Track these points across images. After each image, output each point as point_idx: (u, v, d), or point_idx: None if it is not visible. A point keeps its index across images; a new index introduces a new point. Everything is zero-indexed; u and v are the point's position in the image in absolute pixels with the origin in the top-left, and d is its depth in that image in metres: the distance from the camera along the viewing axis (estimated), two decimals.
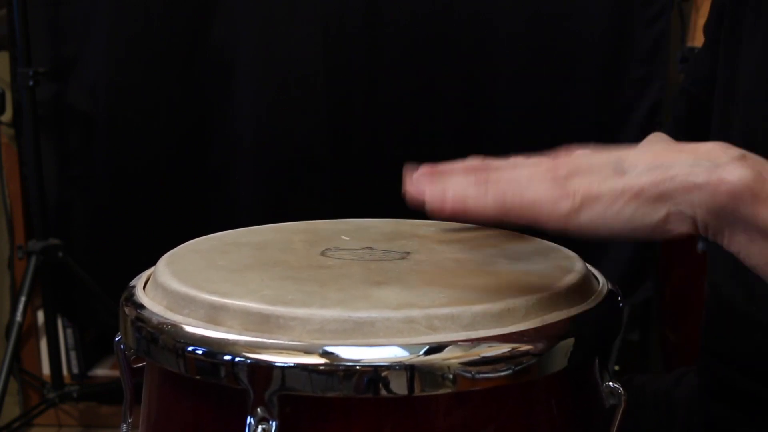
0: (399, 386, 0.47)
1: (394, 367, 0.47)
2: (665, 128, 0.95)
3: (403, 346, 0.47)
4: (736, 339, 0.77)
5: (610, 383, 0.53)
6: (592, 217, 0.48)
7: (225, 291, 0.53)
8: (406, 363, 0.47)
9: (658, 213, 0.48)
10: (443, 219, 0.51)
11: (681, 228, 0.49)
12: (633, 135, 1.71)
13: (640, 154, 0.50)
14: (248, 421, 0.47)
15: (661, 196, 0.48)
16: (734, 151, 0.49)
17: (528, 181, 0.51)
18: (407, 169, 0.56)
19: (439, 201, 0.50)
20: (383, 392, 0.47)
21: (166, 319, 0.53)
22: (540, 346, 0.49)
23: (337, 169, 1.82)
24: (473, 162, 0.54)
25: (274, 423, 0.47)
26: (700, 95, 0.88)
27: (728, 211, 0.48)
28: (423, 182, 0.53)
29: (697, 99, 0.89)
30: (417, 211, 0.88)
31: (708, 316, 0.82)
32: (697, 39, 1.76)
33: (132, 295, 0.58)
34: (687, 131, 0.91)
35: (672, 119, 0.96)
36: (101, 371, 2.09)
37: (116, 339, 0.59)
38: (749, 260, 0.50)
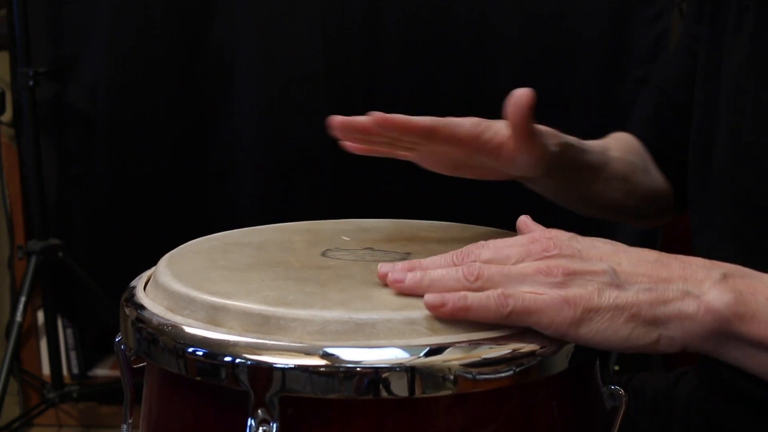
0: (400, 388, 0.47)
1: (394, 368, 0.47)
2: (631, 127, 0.94)
3: (404, 348, 0.47)
4: None
5: (611, 385, 0.53)
6: (590, 331, 0.50)
7: (225, 292, 0.53)
8: (407, 364, 0.47)
9: (651, 335, 0.50)
10: (442, 316, 0.50)
11: (670, 349, 0.51)
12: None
13: (633, 265, 0.52)
14: (249, 423, 0.47)
15: (655, 320, 0.50)
16: (716, 272, 0.51)
17: (521, 282, 0.51)
18: (383, 268, 0.55)
19: (439, 303, 0.50)
20: (384, 394, 0.47)
21: (166, 320, 0.53)
22: (541, 347, 0.49)
23: (337, 169, 1.81)
24: (455, 256, 0.54)
25: (274, 424, 0.47)
26: (676, 93, 0.88)
27: (717, 334, 0.50)
28: (405, 274, 0.53)
29: (672, 97, 0.89)
30: (417, 212, 0.88)
31: None
32: None
33: (132, 295, 0.58)
34: (656, 129, 0.91)
35: (639, 117, 0.95)
36: (101, 371, 2.09)
37: (117, 339, 0.59)
38: (751, 371, 0.52)
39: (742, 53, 0.74)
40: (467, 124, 0.68)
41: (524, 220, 0.62)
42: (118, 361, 0.60)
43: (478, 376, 0.48)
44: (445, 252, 0.64)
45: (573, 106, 1.75)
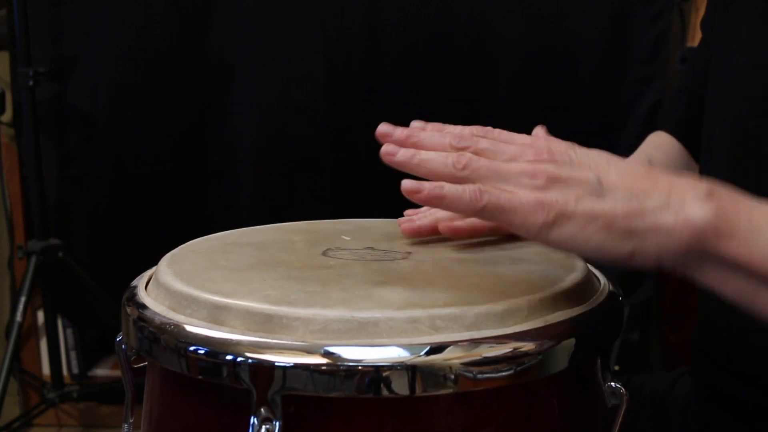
0: (401, 386, 0.47)
1: (395, 367, 0.47)
2: (667, 127, 0.95)
3: (405, 347, 0.47)
4: (725, 342, 0.77)
5: (612, 383, 0.53)
6: (562, 236, 0.49)
7: (227, 291, 0.53)
8: (408, 363, 0.47)
9: (625, 247, 0.49)
10: (417, 202, 0.51)
11: (645, 264, 0.50)
12: (633, 135, 1.71)
13: (620, 176, 0.51)
14: (252, 421, 0.47)
15: (630, 232, 0.49)
16: (702, 189, 0.50)
17: (506, 179, 0.51)
18: (383, 128, 0.56)
19: (415, 189, 0.50)
20: (385, 392, 0.47)
21: (168, 319, 0.53)
22: (542, 346, 0.50)
23: (337, 169, 1.81)
24: (454, 138, 0.54)
25: (277, 423, 0.47)
26: (699, 91, 0.88)
27: (694, 250, 0.49)
28: (398, 149, 0.54)
29: (696, 95, 0.89)
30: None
31: (699, 320, 0.83)
32: (697, 39, 1.76)
33: (134, 295, 0.58)
34: (688, 129, 0.91)
35: (672, 118, 0.96)
36: (101, 371, 2.09)
37: (117, 339, 0.59)
38: (724, 294, 0.51)
39: (744, 37, 0.74)
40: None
41: (537, 130, 0.61)
42: (119, 360, 0.60)
43: (478, 375, 0.48)
44: (447, 251, 0.64)
45: (573, 106, 1.75)
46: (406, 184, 0.50)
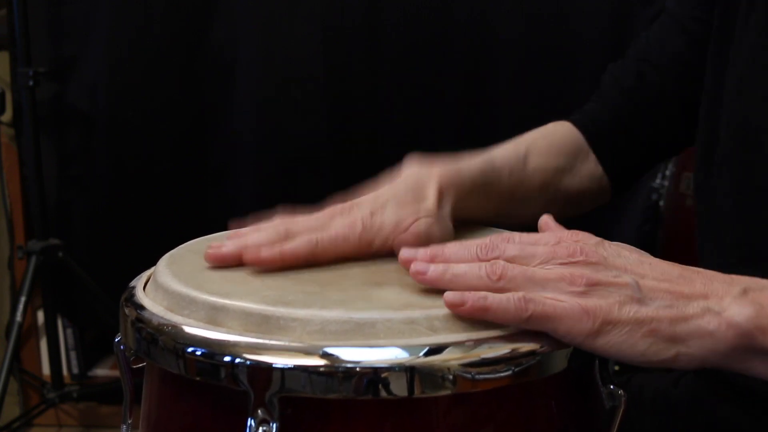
0: (399, 388, 0.47)
1: (394, 368, 0.47)
2: (598, 97, 0.91)
3: (404, 348, 0.47)
4: None
5: (611, 385, 0.53)
6: (608, 343, 0.50)
7: (225, 292, 0.53)
8: (406, 364, 0.47)
9: (669, 352, 0.50)
10: (461, 314, 0.50)
11: (689, 366, 0.51)
12: None
13: (656, 280, 0.52)
14: (249, 423, 0.47)
15: (674, 337, 0.50)
16: (736, 288, 0.51)
17: (544, 285, 0.51)
18: (406, 254, 0.55)
19: (459, 301, 0.50)
20: (383, 394, 0.47)
21: (166, 320, 0.53)
22: (540, 347, 0.49)
23: (337, 169, 1.81)
24: (480, 250, 0.54)
25: (274, 425, 0.47)
26: (664, 72, 0.85)
27: (740, 350, 0.50)
28: (428, 267, 0.53)
29: (660, 74, 0.85)
30: None
31: None
32: None
33: (132, 295, 0.58)
34: (633, 102, 0.87)
35: (613, 87, 0.90)
36: (101, 371, 2.09)
37: (116, 339, 0.59)
38: None
39: (750, 42, 0.74)
40: (352, 240, 0.62)
41: (546, 220, 0.61)
42: (118, 361, 0.60)
43: (477, 376, 0.48)
44: None
45: (573, 106, 1.75)
46: (449, 297, 0.50)
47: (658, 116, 0.86)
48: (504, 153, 0.82)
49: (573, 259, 0.52)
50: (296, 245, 0.59)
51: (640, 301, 0.50)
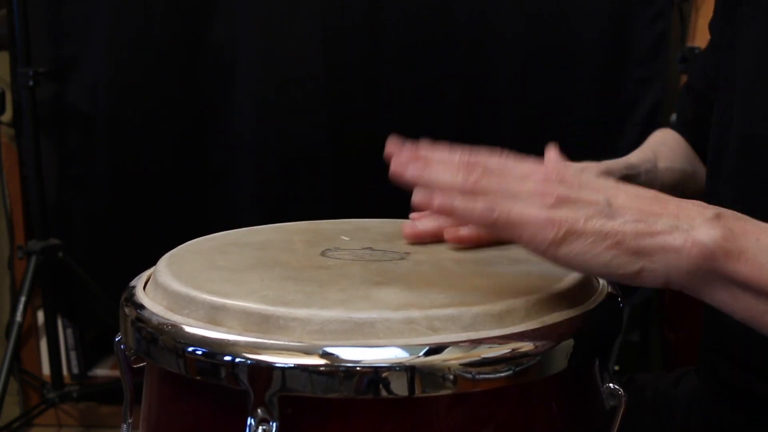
0: (399, 387, 0.47)
1: (394, 368, 0.47)
2: (676, 127, 0.95)
3: (404, 347, 0.47)
4: (735, 337, 0.77)
5: (611, 384, 0.53)
6: (570, 253, 0.50)
7: (225, 291, 0.53)
8: (407, 364, 0.47)
9: (633, 265, 0.50)
10: (428, 210, 0.52)
11: (653, 283, 0.51)
12: (633, 135, 1.71)
13: (630, 199, 0.52)
14: (249, 422, 0.47)
15: (639, 251, 0.50)
16: (709, 211, 0.51)
17: (515, 197, 0.51)
18: (392, 143, 0.56)
19: (426, 198, 0.51)
20: (384, 393, 0.47)
21: (166, 319, 0.53)
22: (540, 346, 0.49)
23: (337, 169, 1.81)
24: (463, 157, 0.55)
25: (274, 424, 0.47)
26: (708, 93, 0.88)
27: (703, 271, 0.50)
28: (408, 167, 0.54)
29: (705, 97, 0.89)
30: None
31: (707, 315, 0.82)
32: (697, 39, 1.76)
33: (132, 295, 0.58)
34: (696, 129, 0.91)
35: (679, 119, 0.96)
36: (101, 371, 2.09)
37: (116, 339, 0.59)
38: (735, 315, 0.52)
39: (754, 43, 0.74)
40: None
41: (550, 146, 0.61)
42: (118, 361, 0.60)
43: (477, 376, 0.48)
44: (446, 252, 0.64)
45: (573, 106, 1.75)
46: (418, 195, 0.51)
47: None
48: (638, 154, 0.85)
49: (549, 178, 0.53)
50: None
51: (609, 216, 0.50)
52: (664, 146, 0.92)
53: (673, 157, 0.90)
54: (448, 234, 0.66)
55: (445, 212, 0.51)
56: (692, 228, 0.50)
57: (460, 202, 0.51)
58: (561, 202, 0.51)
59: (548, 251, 0.50)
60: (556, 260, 0.50)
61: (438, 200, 0.51)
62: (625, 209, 0.51)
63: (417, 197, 0.51)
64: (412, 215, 0.71)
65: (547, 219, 0.50)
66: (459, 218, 0.51)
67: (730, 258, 0.49)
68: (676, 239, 0.49)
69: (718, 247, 0.49)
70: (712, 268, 0.50)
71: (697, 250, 0.49)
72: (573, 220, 0.50)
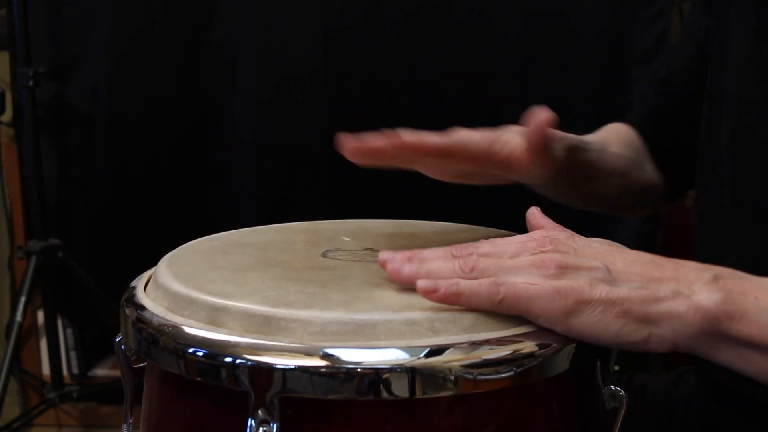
0: (400, 389, 0.47)
1: (395, 369, 0.47)
2: (630, 118, 0.95)
3: (405, 349, 0.47)
4: None
5: (612, 386, 0.53)
6: (582, 323, 0.50)
7: (226, 292, 0.53)
8: (408, 365, 0.47)
9: (642, 333, 0.50)
10: (434, 301, 0.51)
11: (660, 349, 0.51)
12: None
13: (627, 264, 0.52)
14: (249, 423, 0.47)
15: (646, 317, 0.50)
16: (707, 274, 0.52)
17: (515, 274, 0.51)
18: (384, 256, 0.55)
19: (432, 288, 0.51)
20: (384, 394, 0.47)
21: (166, 320, 0.53)
22: (541, 348, 0.49)
23: (337, 169, 1.81)
24: (454, 249, 0.55)
25: (275, 425, 0.47)
26: (678, 85, 0.88)
27: (707, 334, 0.51)
28: (403, 265, 0.54)
29: (674, 88, 0.89)
30: (418, 212, 0.88)
31: None
32: None
33: (133, 296, 0.58)
34: (655, 120, 0.92)
35: (639, 107, 0.95)
36: (101, 371, 2.09)
37: (117, 339, 0.59)
38: (744, 372, 0.52)
39: (744, 45, 0.74)
40: (478, 138, 0.68)
41: (533, 211, 0.62)
42: (119, 361, 0.60)
43: (478, 377, 0.48)
44: None
45: (573, 106, 1.75)
46: (422, 284, 0.51)
47: (678, 128, 0.89)
48: (591, 137, 0.86)
49: (543, 249, 0.53)
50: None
51: (611, 282, 0.51)
52: (615, 134, 0.92)
53: (623, 145, 0.90)
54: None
55: (451, 298, 0.51)
56: (693, 293, 0.51)
57: (465, 286, 0.50)
58: (561, 270, 0.51)
59: (560, 322, 0.50)
60: (569, 332, 0.50)
61: (443, 287, 0.50)
62: (625, 275, 0.51)
63: (422, 286, 0.51)
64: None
65: (554, 289, 0.50)
66: (466, 303, 0.51)
67: (732, 320, 0.50)
68: (679, 305, 0.50)
69: (719, 311, 0.50)
70: (715, 330, 0.50)
71: (700, 315, 0.50)
72: (579, 288, 0.50)
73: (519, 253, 0.53)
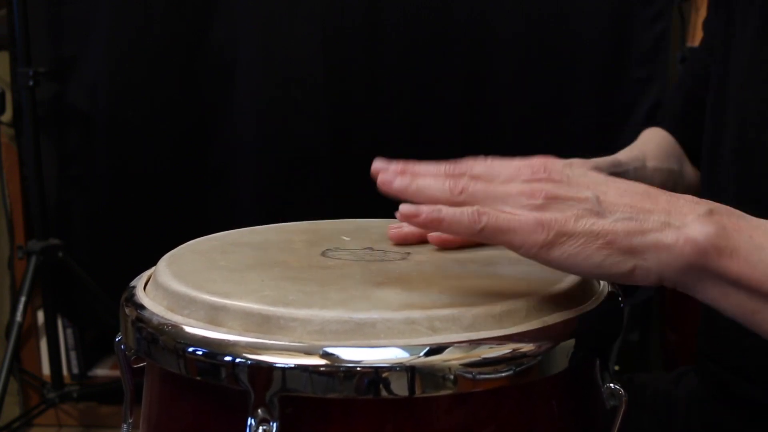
0: (400, 387, 0.47)
1: (395, 368, 0.47)
2: (662, 124, 0.95)
3: (404, 348, 0.47)
4: (729, 344, 0.77)
5: (611, 384, 0.53)
6: (562, 255, 0.49)
7: (226, 291, 0.53)
8: (407, 364, 0.47)
9: (626, 264, 0.49)
10: (415, 226, 0.52)
11: (646, 281, 0.50)
12: (633, 135, 1.70)
13: (619, 195, 0.51)
14: (249, 422, 0.47)
15: (631, 249, 0.49)
16: (702, 207, 0.50)
17: (503, 200, 0.51)
18: (377, 164, 0.56)
19: (413, 213, 0.51)
20: (384, 393, 0.47)
21: (166, 319, 0.53)
22: (541, 347, 0.49)
23: (337, 169, 1.81)
24: (449, 167, 0.55)
25: (274, 424, 0.47)
26: (698, 91, 0.88)
27: (696, 268, 0.49)
28: (395, 177, 0.54)
29: (695, 95, 0.89)
30: None
31: (702, 321, 0.83)
32: (697, 39, 1.76)
33: (132, 295, 0.58)
34: (683, 127, 0.92)
35: (667, 115, 0.96)
36: (101, 371, 2.09)
37: (117, 339, 0.59)
38: (726, 312, 0.51)
39: (747, 50, 0.74)
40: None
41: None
42: (118, 360, 0.60)
43: (478, 376, 0.48)
44: (444, 253, 0.64)
45: (573, 106, 1.75)
46: (404, 208, 0.51)
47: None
48: (627, 153, 0.85)
49: (536, 176, 0.52)
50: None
51: (599, 214, 0.50)
52: (652, 144, 0.92)
53: (661, 155, 0.90)
54: (432, 237, 0.65)
55: (432, 224, 0.51)
56: (684, 225, 0.49)
57: (446, 213, 0.50)
58: (549, 200, 0.50)
59: (539, 254, 0.50)
60: (548, 263, 0.50)
61: (425, 212, 0.50)
62: (615, 206, 0.50)
63: (404, 210, 0.51)
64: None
65: (536, 221, 0.49)
66: (447, 229, 0.51)
67: (722, 255, 0.49)
68: (668, 237, 0.49)
69: (710, 245, 0.49)
70: (704, 265, 0.49)
71: (690, 247, 0.49)
72: (563, 220, 0.49)
73: (511, 178, 0.53)
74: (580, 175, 0.53)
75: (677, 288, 0.51)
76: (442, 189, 0.52)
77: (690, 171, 0.91)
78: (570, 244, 0.49)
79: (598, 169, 0.75)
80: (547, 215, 0.50)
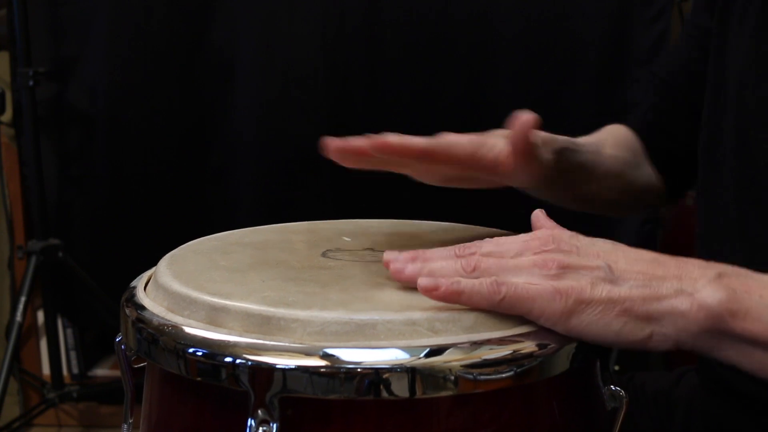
0: (400, 389, 0.47)
1: (395, 369, 0.47)
2: (631, 118, 0.95)
3: (405, 349, 0.47)
4: None
5: (612, 386, 0.53)
6: (581, 323, 0.50)
7: (226, 292, 0.53)
8: (408, 365, 0.47)
9: (644, 331, 0.50)
10: (434, 299, 0.51)
11: (663, 347, 0.51)
12: None
13: (630, 263, 0.52)
14: (249, 423, 0.47)
15: (648, 316, 0.50)
16: (711, 271, 0.51)
17: (517, 272, 0.52)
18: (388, 255, 0.56)
19: (432, 286, 0.51)
20: (384, 394, 0.47)
21: (167, 320, 0.53)
22: (541, 348, 0.49)
23: (337, 169, 1.80)
24: (458, 248, 0.55)
25: (274, 425, 0.47)
26: (677, 84, 0.88)
27: (711, 332, 0.50)
28: (406, 265, 0.54)
29: (673, 88, 0.89)
30: (418, 212, 0.88)
31: None
32: None
33: (133, 295, 0.58)
34: (655, 119, 0.92)
35: (645, 106, 0.95)
36: (101, 371, 2.09)
37: (117, 339, 0.59)
38: (745, 369, 0.52)
39: (745, 47, 0.74)
40: (463, 142, 0.68)
41: (537, 214, 0.62)
42: (119, 361, 0.60)
43: (478, 377, 0.48)
44: None
45: (573, 106, 1.75)
46: (422, 282, 0.51)
47: (677, 129, 0.89)
48: (585, 139, 0.86)
49: (545, 248, 0.53)
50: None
51: (613, 281, 0.51)
52: (610, 136, 0.92)
53: (618, 145, 0.90)
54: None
55: (452, 297, 0.51)
56: (696, 291, 0.50)
57: (466, 284, 0.51)
58: (562, 269, 0.51)
59: (559, 323, 0.50)
60: (569, 332, 0.50)
61: (444, 285, 0.50)
62: (627, 273, 0.51)
63: (422, 284, 0.51)
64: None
65: (554, 290, 0.50)
66: (467, 302, 0.51)
67: (736, 318, 0.50)
68: (682, 303, 0.50)
69: (723, 309, 0.50)
70: (719, 328, 0.50)
71: (704, 313, 0.50)
72: (579, 288, 0.50)
73: (521, 253, 0.53)
74: (588, 245, 0.54)
75: (695, 351, 0.52)
76: (455, 269, 0.53)
77: (647, 169, 0.91)
78: (589, 312, 0.50)
79: (555, 143, 0.75)
80: (563, 283, 0.50)
